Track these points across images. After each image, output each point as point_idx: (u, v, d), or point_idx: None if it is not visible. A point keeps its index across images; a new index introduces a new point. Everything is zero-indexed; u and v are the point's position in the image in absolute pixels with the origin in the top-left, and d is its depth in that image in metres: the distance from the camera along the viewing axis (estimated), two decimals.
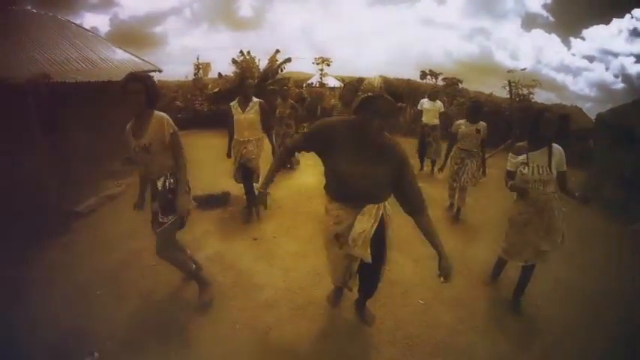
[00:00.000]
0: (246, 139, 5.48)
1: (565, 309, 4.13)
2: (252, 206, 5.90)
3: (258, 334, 3.47)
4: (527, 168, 3.58)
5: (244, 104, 5.44)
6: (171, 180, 3.42)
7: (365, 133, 2.40)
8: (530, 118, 3.74)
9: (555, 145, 3.57)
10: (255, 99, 5.54)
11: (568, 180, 3.72)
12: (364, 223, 2.68)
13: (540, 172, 3.56)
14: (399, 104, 2.31)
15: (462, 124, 5.84)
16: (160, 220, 3.42)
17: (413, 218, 2.70)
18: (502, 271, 4.43)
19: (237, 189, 6.20)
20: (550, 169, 3.55)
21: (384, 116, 2.29)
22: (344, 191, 2.64)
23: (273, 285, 4.20)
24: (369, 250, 2.74)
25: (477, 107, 6.01)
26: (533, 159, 3.56)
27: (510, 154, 3.77)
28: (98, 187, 6.48)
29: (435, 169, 8.84)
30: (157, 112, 3.30)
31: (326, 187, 2.75)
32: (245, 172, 5.64)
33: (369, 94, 2.26)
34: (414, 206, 2.67)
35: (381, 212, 2.77)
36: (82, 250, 4.77)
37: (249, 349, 3.31)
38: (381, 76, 2.35)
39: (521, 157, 3.62)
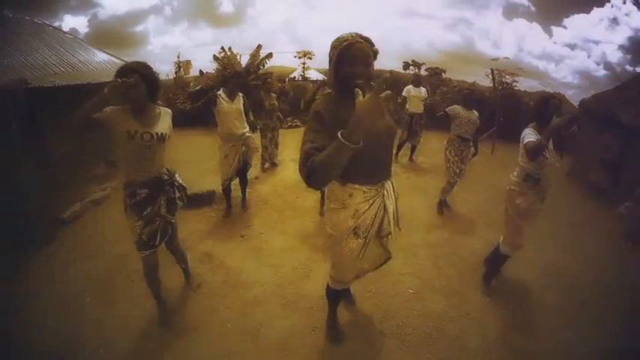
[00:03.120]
0: (241, 132, 5.43)
1: (555, 293, 4.17)
2: (245, 195, 6.14)
3: (249, 332, 3.46)
4: (546, 151, 3.48)
5: (231, 95, 5.38)
6: (172, 179, 3.30)
7: (357, 92, 2.30)
8: (538, 103, 3.72)
9: None
10: (240, 93, 5.53)
11: None
12: (391, 204, 2.69)
13: (551, 155, 3.58)
14: (374, 48, 2.29)
15: (459, 109, 5.79)
16: (173, 222, 3.40)
17: None
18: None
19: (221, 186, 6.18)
20: (556, 152, 3.62)
21: (365, 63, 2.22)
22: (367, 166, 2.44)
23: (262, 281, 4.19)
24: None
25: (473, 95, 6.16)
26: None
27: (531, 129, 3.61)
28: (82, 192, 6.40)
29: (415, 157, 8.91)
30: (161, 107, 3.19)
31: (344, 176, 2.47)
32: (244, 168, 5.75)
33: (344, 42, 2.22)
34: None
35: (393, 186, 2.76)
36: (69, 257, 4.69)
37: (242, 347, 3.29)
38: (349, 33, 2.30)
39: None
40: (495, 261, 4.18)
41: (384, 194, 2.62)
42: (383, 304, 3.84)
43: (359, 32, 2.28)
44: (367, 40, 2.27)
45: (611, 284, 4.33)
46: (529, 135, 3.53)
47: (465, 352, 3.32)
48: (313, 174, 1.96)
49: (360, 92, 2.26)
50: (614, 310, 3.91)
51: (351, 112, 1.87)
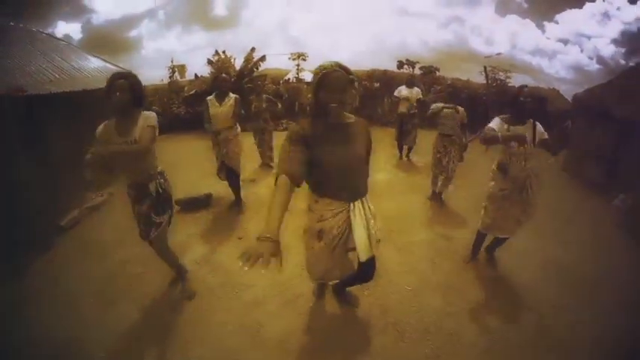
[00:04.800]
0: (224, 136, 5.55)
1: (552, 287, 4.21)
2: (239, 202, 6.17)
3: (249, 332, 3.50)
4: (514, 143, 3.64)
5: (221, 99, 5.55)
6: (162, 180, 3.49)
7: (329, 115, 2.54)
8: (511, 95, 3.85)
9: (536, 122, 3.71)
10: (231, 94, 5.64)
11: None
12: (361, 230, 2.78)
13: (525, 145, 3.64)
14: (350, 76, 2.48)
15: (440, 106, 5.94)
16: (156, 220, 3.50)
17: None
18: (481, 247, 4.58)
19: (218, 190, 6.18)
20: (534, 144, 3.67)
21: (340, 90, 2.44)
22: (332, 184, 2.69)
23: (260, 282, 4.21)
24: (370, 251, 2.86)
25: (453, 94, 6.44)
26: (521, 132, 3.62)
27: (498, 119, 3.80)
28: (80, 198, 6.41)
29: (411, 156, 8.95)
30: (144, 112, 3.34)
31: (312, 186, 2.78)
32: (228, 172, 5.78)
33: (323, 71, 2.43)
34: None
35: (367, 208, 2.85)
36: (68, 263, 4.71)
37: (242, 348, 3.33)
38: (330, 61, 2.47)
39: (504, 127, 3.69)
40: (476, 237, 4.50)
41: (349, 213, 2.76)
42: (380, 301, 3.88)
43: (339, 62, 2.50)
44: (345, 69, 2.49)
45: (607, 278, 4.36)
46: (492, 123, 3.78)
47: (462, 347, 3.36)
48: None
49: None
50: (611, 304, 3.94)
51: (322, 132, 2.52)
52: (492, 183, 4.03)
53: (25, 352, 3.29)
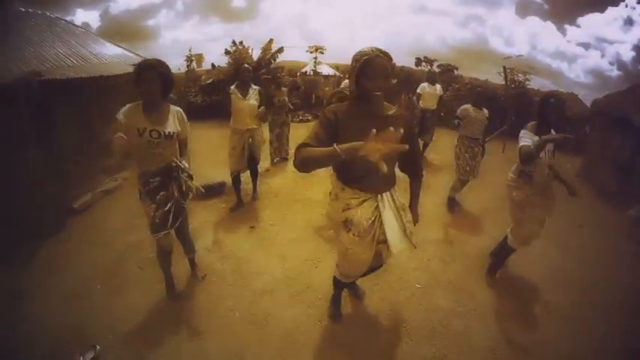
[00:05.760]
0: (249, 126, 5.47)
1: (560, 291, 4.17)
2: (256, 187, 6.28)
3: (257, 321, 3.51)
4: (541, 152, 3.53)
5: (244, 90, 5.41)
6: (181, 166, 3.40)
7: (372, 103, 2.44)
8: (539, 103, 3.77)
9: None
10: (254, 86, 5.55)
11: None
12: (392, 221, 2.72)
13: (549, 155, 3.63)
14: (392, 62, 2.40)
15: (470, 109, 5.80)
16: (184, 206, 3.49)
17: (410, 179, 2.97)
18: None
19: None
20: (553, 152, 3.65)
21: (383, 77, 2.33)
22: (359, 174, 2.56)
23: (270, 272, 4.23)
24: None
25: (482, 94, 6.27)
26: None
27: (527, 132, 3.64)
28: (93, 182, 6.46)
29: (426, 153, 8.84)
30: (172, 106, 3.31)
31: (339, 174, 2.69)
32: (251, 160, 5.78)
33: (365, 57, 2.32)
34: (416, 168, 2.90)
35: (397, 200, 2.80)
36: (79, 246, 4.75)
37: (249, 335, 3.34)
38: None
39: (537, 139, 3.51)
40: (501, 253, 4.27)
41: (379, 204, 2.67)
42: (389, 297, 3.87)
43: (378, 47, 2.39)
44: (386, 54, 2.38)
45: (618, 286, 4.33)
46: (524, 139, 3.60)
47: (469, 347, 3.35)
48: (300, 160, 2.19)
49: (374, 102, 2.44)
50: (619, 312, 3.91)
51: (362, 121, 2.25)
52: (516, 192, 3.86)
53: (35, 337, 3.30)
